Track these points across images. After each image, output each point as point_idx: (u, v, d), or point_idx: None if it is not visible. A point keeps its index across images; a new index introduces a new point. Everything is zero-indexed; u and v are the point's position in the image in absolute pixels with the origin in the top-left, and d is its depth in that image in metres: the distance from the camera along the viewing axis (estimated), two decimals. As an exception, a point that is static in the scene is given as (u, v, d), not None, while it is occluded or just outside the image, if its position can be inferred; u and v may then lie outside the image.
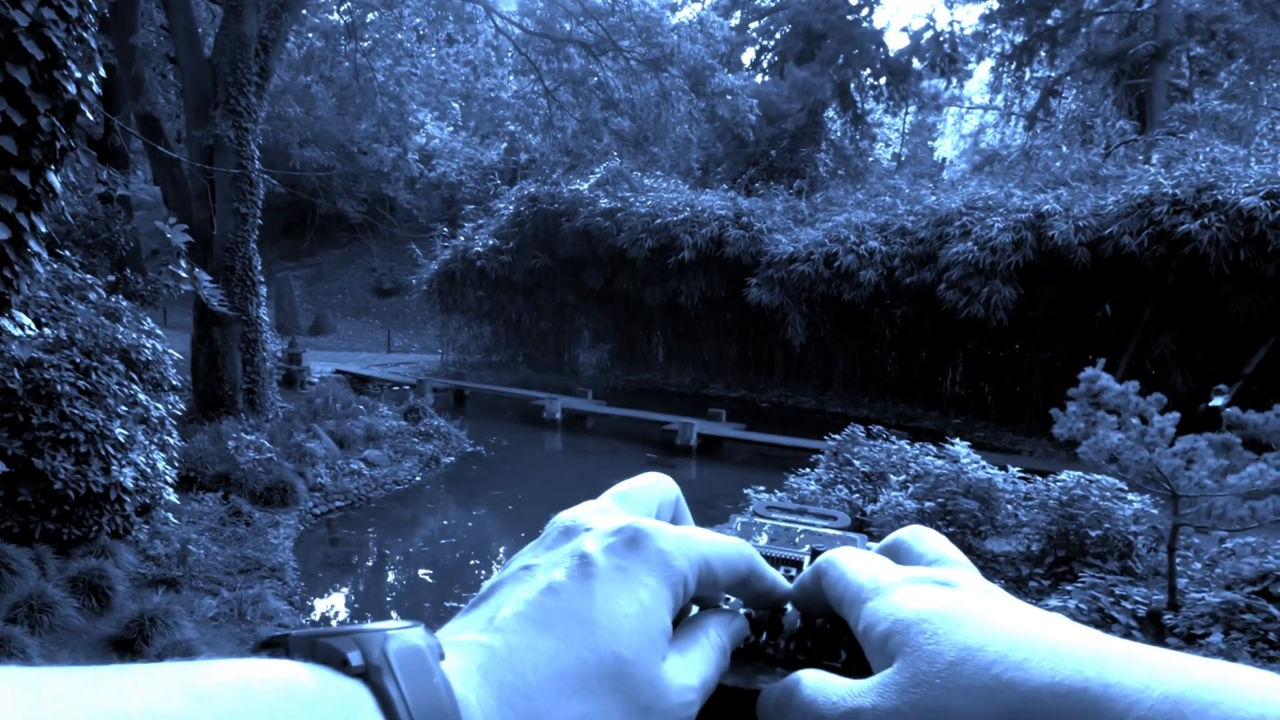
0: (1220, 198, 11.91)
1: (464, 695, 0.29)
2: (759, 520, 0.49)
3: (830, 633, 0.41)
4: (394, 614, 7.78)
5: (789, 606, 0.43)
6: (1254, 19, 21.76)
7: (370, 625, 0.30)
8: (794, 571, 0.45)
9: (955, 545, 0.43)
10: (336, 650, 0.29)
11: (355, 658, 0.29)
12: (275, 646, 0.30)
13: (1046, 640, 0.31)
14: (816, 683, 0.36)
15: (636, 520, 0.37)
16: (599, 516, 0.38)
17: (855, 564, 0.40)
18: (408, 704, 0.28)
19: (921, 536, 0.42)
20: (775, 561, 0.45)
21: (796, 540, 0.47)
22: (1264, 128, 19.05)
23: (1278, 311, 12.15)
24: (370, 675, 0.28)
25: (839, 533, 0.48)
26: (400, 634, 0.30)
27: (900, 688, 0.33)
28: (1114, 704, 0.28)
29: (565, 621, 0.33)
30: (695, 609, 0.42)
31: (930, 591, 0.36)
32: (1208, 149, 13.78)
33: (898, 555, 0.42)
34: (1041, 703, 0.29)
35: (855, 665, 0.37)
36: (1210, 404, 5.86)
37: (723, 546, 0.39)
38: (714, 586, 0.38)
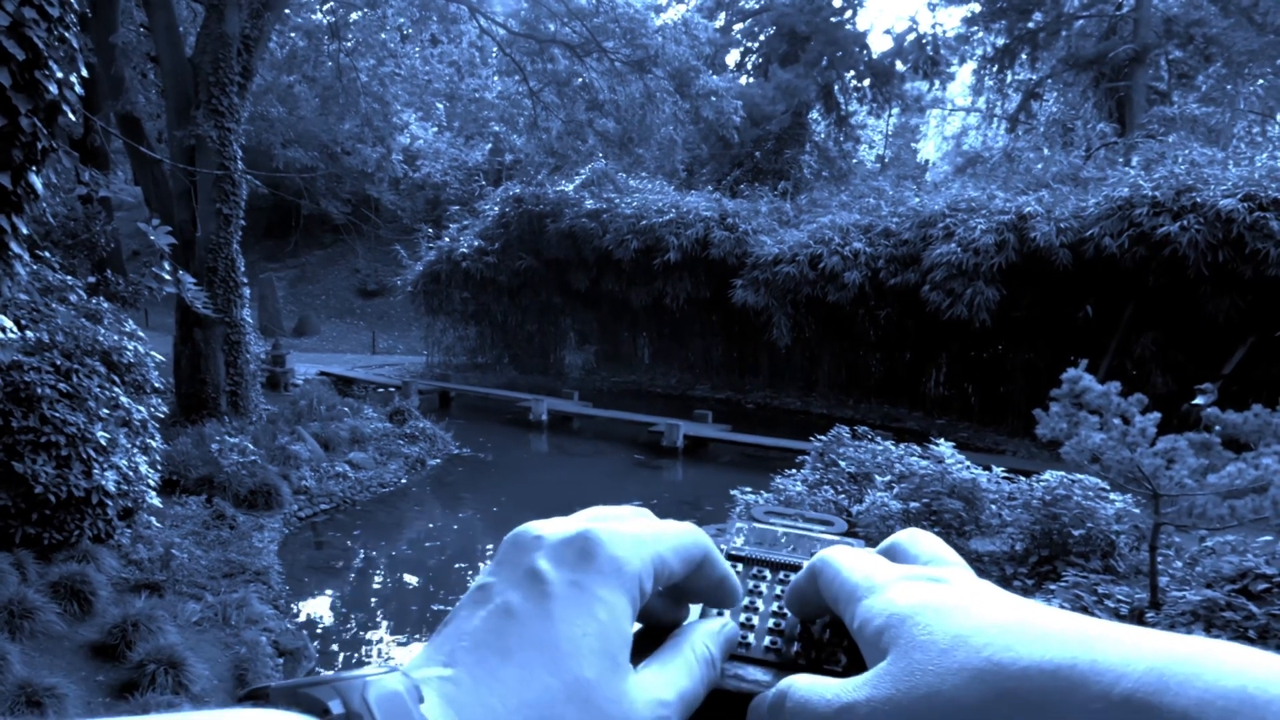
0: (1199, 200, 12.05)
1: None
2: (757, 526, 0.50)
3: (830, 638, 0.42)
4: (380, 616, 7.74)
5: (788, 612, 0.43)
6: (1231, 23, 22.06)
7: (349, 674, 0.31)
8: (792, 576, 0.45)
9: None
10: (317, 700, 0.29)
11: (336, 706, 0.29)
12: (257, 698, 0.30)
13: (1034, 624, 0.33)
14: (809, 684, 0.37)
15: (587, 526, 0.37)
16: (550, 525, 0.38)
17: (850, 563, 0.40)
18: None
19: (918, 539, 0.43)
20: (774, 567, 0.46)
21: (794, 546, 0.48)
22: (1241, 130, 19.31)
23: (1255, 312, 12.31)
24: None
25: (836, 538, 0.48)
26: (379, 680, 0.30)
27: (894, 678, 0.34)
28: (1100, 678, 0.29)
29: (526, 649, 0.33)
30: (695, 613, 0.43)
31: (923, 587, 0.37)
32: (1186, 152, 13.94)
33: (895, 557, 0.43)
34: (1031, 680, 0.30)
35: (855, 670, 0.37)
36: (1195, 402, 5.91)
37: (675, 536, 0.39)
38: (672, 578, 0.39)
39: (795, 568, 0.45)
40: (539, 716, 0.32)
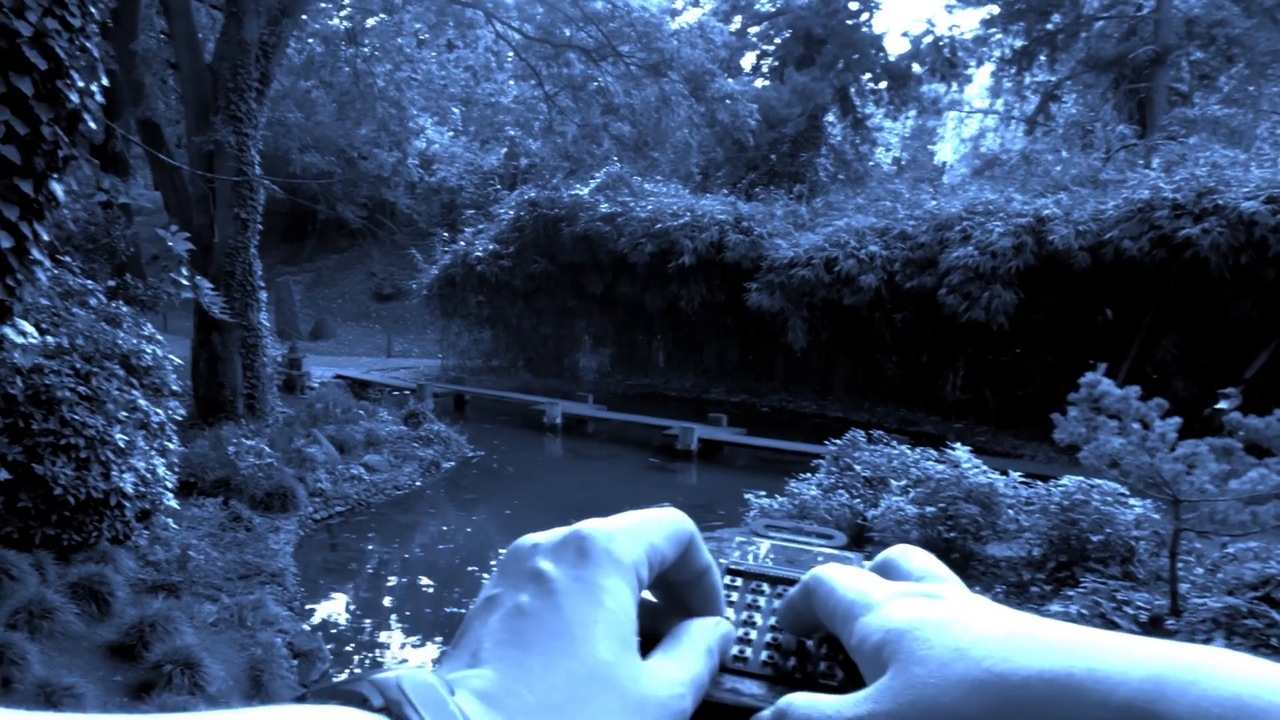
0: (1221, 202, 11.90)
1: None
2: (757, 539, 0.49)
3: (826, 653, 0.42)
4: (394, 618, 7.77)
5: None
6: (1254, 24, 21.79)
7: (380, 672, 0.32)
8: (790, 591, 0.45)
9: (956, 551, 0.44)
10: (356, 693, 0.30)
11: (375, 698, 0.30)
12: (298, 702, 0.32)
13: (1032, 635, 0.33)
14: (808, 702, 0.37)
15: (579, 527, 0.38)
16: (545, 534, 0.39)
17: (845, 580, 0.40)
18: None
19: (910, 555, 0.43)
20: (772, 581, 0.46)
21: (792, 560, 0.48)
22: (1264, 132, 19.02)
23: (1278, 316, 12.14)
24: (391, 709, 0.30)
25: (836, 552, 0.48)
26: (412, 673, 0.32)
27: (895, 692, 0.34)
28: (1099, 685, 0.30)
29: (544, 639, 0.34)
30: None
31: (920, 603, 0.38)
32: (1208, 153, 13.77)
33: (887, 573, 0.43)
34: (1031, 690, 0.31)
35: (851, 685, 0.38)
36: (1218, 407, 5.84)
37: (663, 524, 0.40)
38: (664, 563, 0.40)
39: (793, 582, 0.45)
40: (567, 699, 0.33)
